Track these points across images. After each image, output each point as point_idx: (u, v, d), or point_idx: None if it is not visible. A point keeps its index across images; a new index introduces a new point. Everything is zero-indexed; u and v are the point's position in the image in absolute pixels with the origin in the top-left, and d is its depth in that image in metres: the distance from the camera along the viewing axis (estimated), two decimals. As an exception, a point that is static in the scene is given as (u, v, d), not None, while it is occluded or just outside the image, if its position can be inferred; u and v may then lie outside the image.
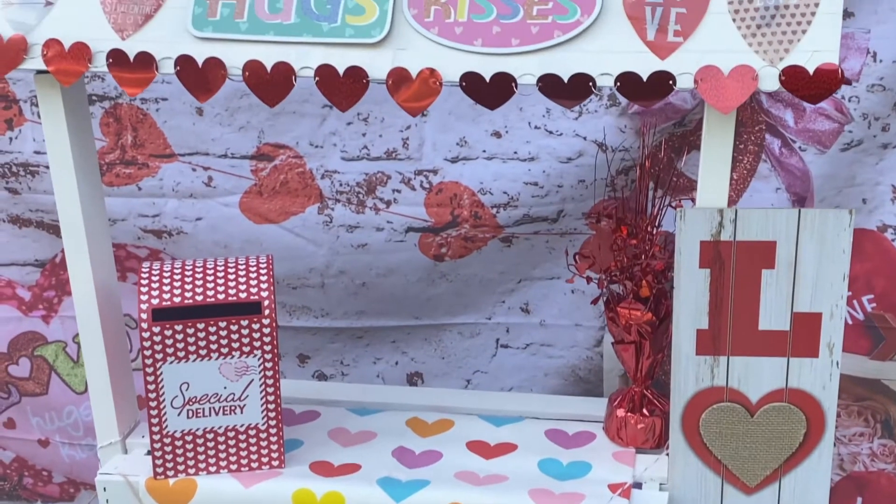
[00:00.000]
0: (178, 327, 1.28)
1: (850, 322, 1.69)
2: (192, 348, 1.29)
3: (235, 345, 1.29)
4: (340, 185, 1.75)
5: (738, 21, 1.13)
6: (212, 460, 1.35)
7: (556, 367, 1.85)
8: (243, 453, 1.35)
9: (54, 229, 1.78)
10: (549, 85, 1.15)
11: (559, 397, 1.65)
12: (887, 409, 1.74)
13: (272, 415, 1.33)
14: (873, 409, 1.74)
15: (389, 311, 1.85)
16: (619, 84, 1.14)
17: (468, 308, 1.85)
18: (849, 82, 1.55)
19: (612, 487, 1.31)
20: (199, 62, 1.21)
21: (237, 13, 1.21)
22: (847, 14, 1.55)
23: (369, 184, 1.75)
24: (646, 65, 1.14)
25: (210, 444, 1.34)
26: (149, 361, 1.29)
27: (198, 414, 1.32)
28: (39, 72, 1.26)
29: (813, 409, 1.27)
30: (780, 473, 1.30)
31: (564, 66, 1.15)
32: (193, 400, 1.31)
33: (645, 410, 1.38)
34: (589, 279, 1.38)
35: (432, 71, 1.17)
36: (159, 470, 1.35)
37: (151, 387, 1.30)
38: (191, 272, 1.31)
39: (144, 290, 1.29)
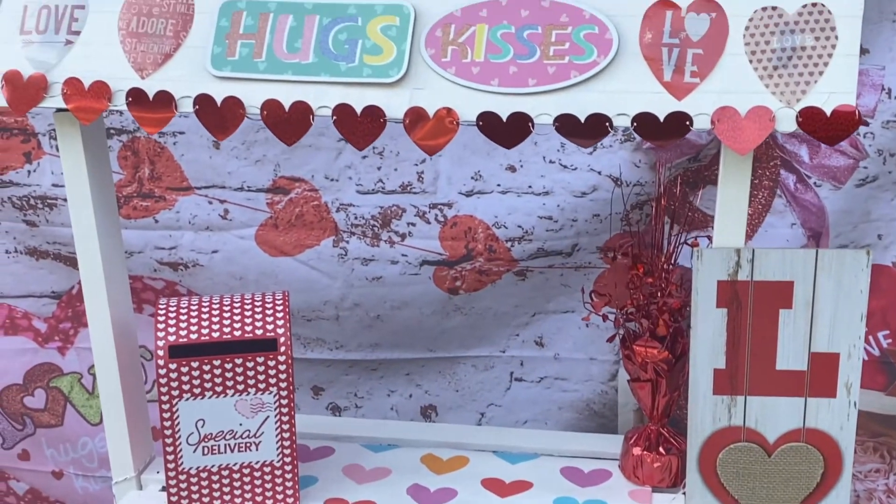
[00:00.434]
0: (195, 364, 1.28)
1: (865, 358, 1.68)
2: (207, 385, 1.29)
3: (251, 381, 1.30)
4: (355, 218, 1.76)
5: (754, 62, 1.13)
6: (227, 497, 1.35)
7: (571, 400, 1.85)
8: (258, 490, 1.35)
9: (71, 261, 1.79)
10: (566, 125, 1.16)
11: (574, 434, 1.65)
12: (904, 445, 1.73)
13: (287, 452, 1.33)
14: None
15: (404, 344, 1.85)
16: (635, 124, 1.14)
17: (482, 341, 1.85)
18: (866, 123, 1.55)
19: (628, 526, 1.30)
20: (218, 101, 1.21)
21: (256, 53, 1.22)
22: (862, 51, 1.54)
23: (384, 217, 1.75)
24: (662, 105, 1.14)
25: (225, 481, 1.34)
26: (165, 398, 1.29)
27: (213, 451, 1.32)
28: (59, 110, 1.27)
29: (830, 449, 1.26)
30: (798, 513, 1.29)
31: (581, 106, 1.16)
32: (209, 436, 1.31)
33: (661, 449, 1.38)
34: (605, 317, 1.38)
35: (449, 110, 1.18)
36: (174, 506, 1.35)
37: (167, 423, 1.30)
38: (207, 308, 1.32)
39: (161, 326, 1.29)
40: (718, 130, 1.12)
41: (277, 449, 1.33)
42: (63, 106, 1.25)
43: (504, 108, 1.17)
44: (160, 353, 1.28)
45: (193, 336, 1.29)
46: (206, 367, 1.28)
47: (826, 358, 1.22)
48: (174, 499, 1.34)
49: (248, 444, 1.32)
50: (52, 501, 1.95)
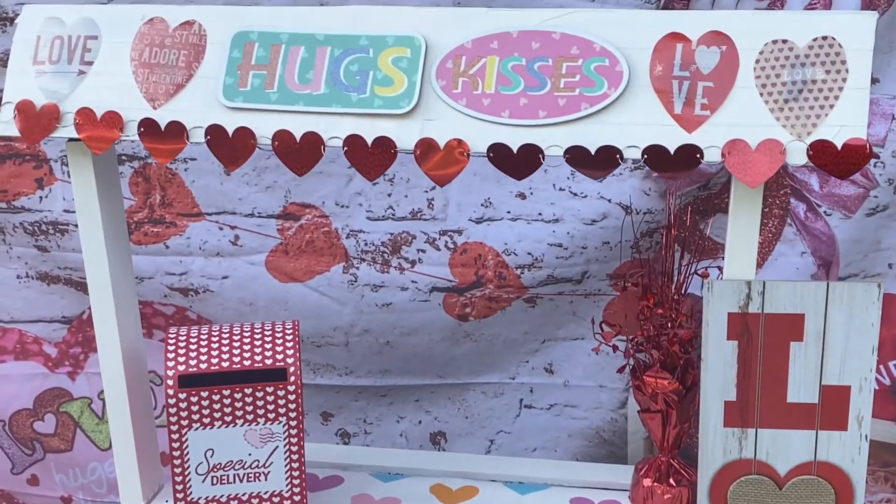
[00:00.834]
0: (204, 394, 1.28)
1: (876, 388, 1.67)
2: (217, 415, 1.29)
3: (261, 411, 1.30)
4: (365, 244, 1.76)
5: (765, 95, 1.13)
6: (235, 526, 1.35)
7: (580, 428, 1.84)
8: (267, 519, 1.35)
9: (82, 286, 1.79)
10: (577, 156, 1.16)
11: (584, 464, 1.64)
12: (915, 475, 1.72)
13: (296, 482, 1.33)
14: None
15: (413, 370, 1.85)
16: (646, 156, 1.14)
17: (492, 368, 1.84)
18: (876, 156, 1.55)
19: (638, 559, 1.30)
20: (230, 132, 1.22)
21: (268, 83, 1.23)
22: (872, 80, 1.54)
23: (394, 243, 1.75)
24: (673, 138, 1.14)
25: (234, 510, 1.34)
26: (174, 427, 1.29)
27: (222, 480, 1.32)
28: (71, 139, 1.27)
29: (842, 482, 1.25)
30: (809, 546, 1.29)
31: (591, 138, 1.16)
32: (218, 466, 1.31)
33: (672, 480, 1.37)
34: (615, 347, 1.37)
35: (460, 142, 1.18)
36: (183, 535, 1.35)
37: (176, 453, 1.30)
38: (216, 338, 1.32)
39: (171, 355, 1.30)
40: (729, 163, 1.12)
41: (286, 479, 1.33)
42: (75, 136, 1.25)
43: (515, 139, 1.17)
44: (170, 382, 1.28)
45: (203, 365, 1.29)
46: (216, 397, 1.28)
47: (837, 391, 1.22)
48: (183, 528, 1.34)
49: (257, 474, 1.32)
50: (61, 527, 1.95)
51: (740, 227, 1.18)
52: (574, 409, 1.84)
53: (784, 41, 1.13)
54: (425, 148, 1.19)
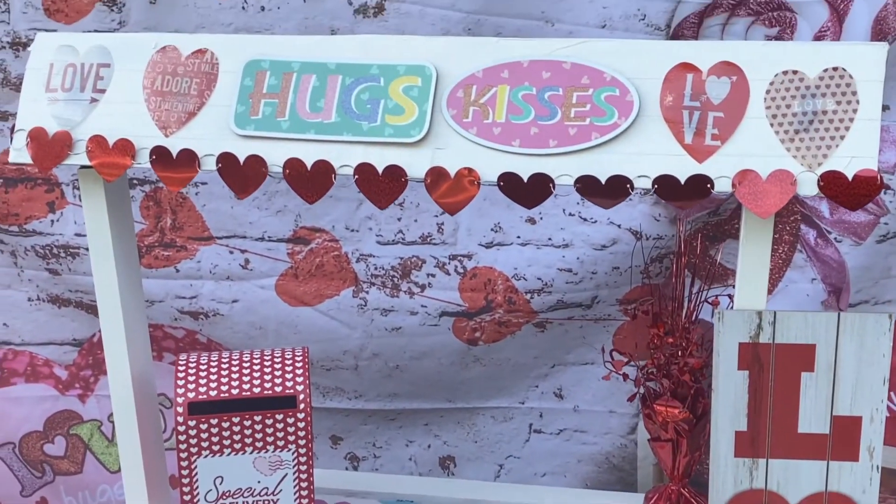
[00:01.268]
0: (214, 421, 1.28)
1: (887, 415, 1.66)
2: (226, 442, 1.29)
3: (270, 439, 1.30)
4: (375, 268, 1.76)
5: (775, 126, 1.13)
6: (244, 553, 1.35)
7: (590, 453, 1.84)
8: (276, 547, 1.35)
9: (93, 309, 1.79)
10: (587, 186, 1.16)
11: (594, 492, 1.64)
12: (927, 502, 1.71)
13: (306, 509, 1.33)
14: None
15: (422, 394, 1.85)
16: (656, 186, 1.14)
17: (501, 392, 1.84)
18: (888, 187, 1.55)
19: (648, 588, 1.29)
20: (241, 160, 1.22)
21: (279, 112, 1.23)
22: (882, 108, 1.54)
23: (404, 268, 1.76)
24: (683, 167, 1.14)
25: (243, 538, 1.34)
26: (183, 455, 1.29)
27: (231, 508, 1.32)
28: (83, 167, 1.28)
29: (853, 512, 1.25)
30: (820, 577, 1.28)
31: (602, 167, 1.16)
32: (227, 494, 1.31)
33: (682, 509, 1.37)
34: (625, 376, 1.37)
35: (470, 170, 1.18)
36: (192, 562, 1.34)
37: (186, 480, 1.30)
38: (226, 365, 1.32)
39: (181, 382, 1.30)
40: (740, 193, 1.12)
41: (296, 506, 1.33)
42: (87, 163, 1.26)
43: (525, 168, 1.17)
44: (179, 409, 1.28)
45: (213, 392, 1.29)
46: (225, 424, 1.29)
47: (848, 421, 1.21)
48: (192, 555, 1.34)
49: (266, 502, 1.32)
50: (70, 549, 1.95)
51: (751, 256, 1.18)
52: (584, 435, 1.84)
53: (795, 72, 1.13)
54: (436, 176, 1.19)
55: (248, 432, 1.29)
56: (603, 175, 1.15)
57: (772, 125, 1.13)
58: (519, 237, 1.72)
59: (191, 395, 1.29)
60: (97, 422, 1.88)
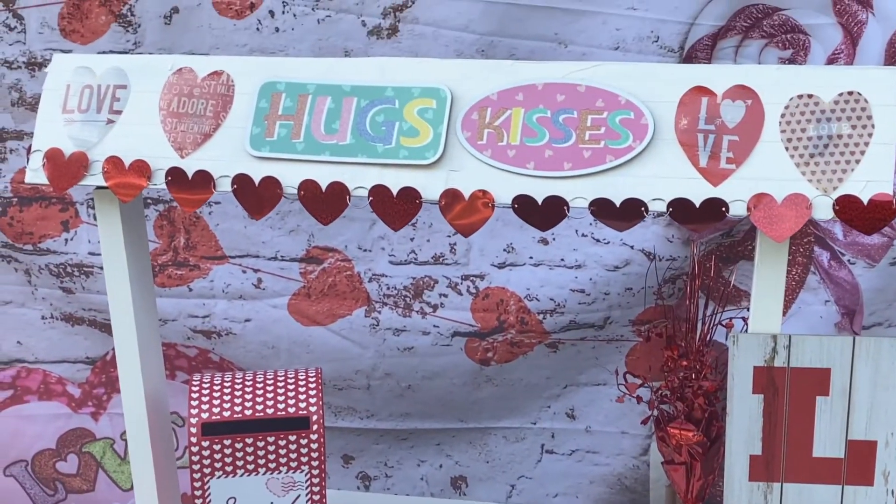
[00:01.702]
0: (227, 442, 1.28)
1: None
2: (239, 463, 1.29)
3: (283, 460, 1.30)
4: (388, 288, 1.76)
5: (790, 150, 1.13)
6: (257, 574, 1.34)
7: (602, 474, 1.83)
8: (288, 568, 1.35)
9: (106, 328, 1.80)
10: (602, 209, 1.16)
11: (606, 514, 1.63)
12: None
13: (318, 530, 1.33)
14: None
15: (434, 414, 1.84)
16: (671, 209, 1.14)
17: (513, 412, 1.84)
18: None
19: None
20: (256, 181, 1.23)
21: (294, 133, 1.24)
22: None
23: (416, 288, 1.76)
24: (698, 191, 1.14)
25: (255, 558, 1.34)
26: (197, 476, 1.29)
27: (244, 528, 1.32)
28: (99, 187, 1.28)
29: (868, 537, 1.24)
30: None
31: (616, 190, 1.16)
32: (240, 514, 1.31)
33: (695, 532, 1.36)
34: (639, 399, 1.37)
35: (484, 192, 1.18)
36: (204, 582, 1.34)
37: (199, 501, 1.30)
38: (240, 385, 1.32)
39: (194, 403, 1.30)
40: (755, 217, 1.12)
41: (308, 527, 1.33)
42: (103, 184, 1.26)
43: (539, 191, 1.17)
44: (193, 430, 1.28)
45: (226, 413, 1.29)
46: (239, 445, 1.29)
47: (863, 446, 1.21)
48: (204, 576, 1.34)
49: (280, 523, 1.32)
50: (81, 568, 1.95)
51: (766, 279, 1.18)
52: (596, 455, 1.83)
53: (810, 96, 1.13)
54: (450, 198, 1.19)
55: (261, 453, 1.29)
56: (617, 198, 1.15)
57: (787, 149, 1.13)
58: (532, 258, 1.72)
59: (204, 415, 1.29)
60: (110, 440, 1.88)
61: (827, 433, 1.21)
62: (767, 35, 1.57)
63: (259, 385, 1.32)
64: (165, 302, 1.77)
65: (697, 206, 1.13)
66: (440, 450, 1.88)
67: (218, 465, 1.29)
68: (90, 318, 1.81)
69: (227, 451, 1.29)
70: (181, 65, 1.28)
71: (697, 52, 1.58)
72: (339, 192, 1.22)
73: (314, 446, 1.29)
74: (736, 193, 1.13)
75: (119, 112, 1.28)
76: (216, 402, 1.30)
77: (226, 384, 1.32)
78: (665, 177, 1.16)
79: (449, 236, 1.73)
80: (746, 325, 1.22)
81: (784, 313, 1.65)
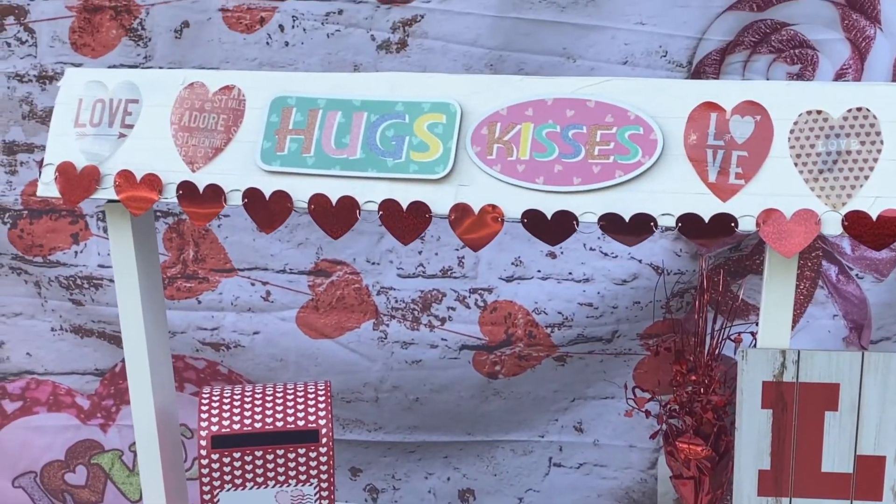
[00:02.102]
0: (237, 454, 1.29)
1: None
2: (249, 476, 1.30)
3: (292, 473, 1.30)
4: (396, 301, 1.77)
5: (800, 165, 1.13)
6: (265, 587, 1.35)
7: (610, 488, 1.83)
8: (297, 581, 1.35)
9: (115, 339, 1.81)
10: (611, 223, 1.16)
11: (615, 528, 1.63)
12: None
13: (327, 543, 1.33)
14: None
15: (442, 427, 1.85)
16: (680, 225, 1.14)
17: (521, 425, 1.84)
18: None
19: None
20: (267, 195, 1.23)
21: (304, 148, 1.24)
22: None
23: (424, 301, 1.76)
24: (707, 206, 1.15)
25: (264, 571, 1.34)
26: (206, 488, 1.30)
27: (253, 541, 1.32)
28: (111, 200, 1.29)
29: (877, 552, 1.24)
30: None
31: (626, 205, 1.16)
32: (250, 527, 1.32)
33: (704, 547, 1.36)
34: (648, 413, 1.37)
35: (494, 207, 1.19)
36: None
37: (208, 513, 1.31)
38: (249, 398, 1.33)
39: (204, 416, 1.30)
40: (764, 233, 1.12)
41: (317, 540, 1.33)
42: (115, 197, 1.27)
43: (549, 205, 1.18)
44: (203, 442, 1.29)
45: (236, 426, 1.29)
46: (248, 458, 1.29)
47: (872, 461, 1.21)
48: (213, 588, 1.34)
49: (289, 536, 1.33)
50: (89, 580, 1.95)
51: (775, 294, 1.18)
52: (603, 469, 1.83)
53: (819, 112, 1.13)
54: (460, 213, 1.20)
55: (270, 466, 1.29)
56: (627, 213, 1.16)
57: (796, 164, 1.13)
58: (539, 271, 1.73)
59: (214, 428, 1.29)
60: (118, 451, 1.88)
61: (836, 448, 1.21)
62: (775, 50, 1.58)
63: (269, 398, 1.33)
64: (174, 314, 1.78)
65: (706, 221, 1.14)
66: (448, 463, 1.88)
67: (227, 477, 1.29)
68: (99, 330, 1.82)
69: (237, 464, 1.29)
70: (193, 79, 1.29)
71: (706, 67, 1.59)
72: (349, 207, 1.22)
73: (323, 459, 1.30)
74: (745, 209, 1.14)
75: (131, 126, 1.29)
76: (226, 414, 1.30)
77: (236, 397, 1.33)
78: (674, 192, 1.16)
79: (457, 250, 1.74)
80: (755, 339, 1.22)
81: (792, 327, 1.66)
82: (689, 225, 1.14)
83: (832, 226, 1.12)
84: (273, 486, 1.30)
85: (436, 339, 1.77)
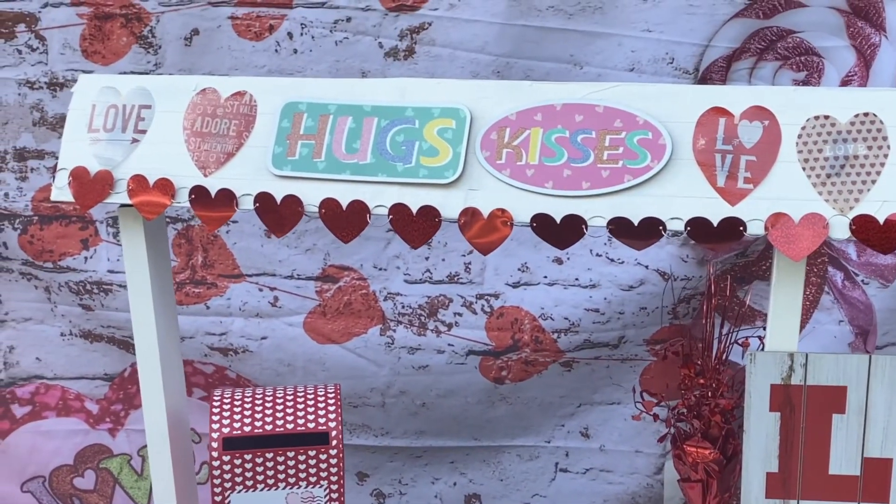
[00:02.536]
0: (248, 456, 1.30)
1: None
2: (260, 478, 1.30)
3: (303, 475, 1.31)
4: (403, 307, 1.78)
5: (807, 170, 1.14)
6: (275, 590, 1.35)
7: (616, 493, 1.84)
8: (307, 583, 1.35)
9: (124, 344, 1.82)
10: (620, 228, 1.17)
11: (622, 531, 1.64)
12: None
13: (337, 546, 1.34)
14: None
15: (449, 432, 1.85)
16: (689, 228, 1.15)
17: (527, 431, 1.85)
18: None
19: None
20: (278, 200, 1.24)
21: (315, 153, 1.25)
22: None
23: (431, 306, 1.77)
24: (716, 210, 1.16)
25: (274, 574, 1.35)
26: (217, 490, 1.30)
27: (264, 544, 1.33)
28: (123, 205, 1.30)
29: (884, 555, 1.25)
30: None
31: (634, 209, 1.17)
32: (260, 530, 1.32)
33: (711, 550, 1.37)
34: (656, 417, 1.38)
35: (503, 211, 1.20)
36: None
37: (219, 515, 1.31)
38: (260, 401, 1.34)
39: (216, 418, 1.31)
40: (772, 236, 1.13)
41: (327, 543, 1.34)
42: (128, 202, 1.28)
43: (558, 210, 1.19)
44: (214, 444, 1.30)
45: (247, 428, 1.30)
46: (259, 460, 1.30)
47: (879, 463, 1.22)
48: (223, 591, 1.35)
49: (299, 538, 1.33)
50: (97, 584, 1.96)
51: (783, 298, 1.19)
52: (610, 474, 1.84)
53: (826, 117, 1.15)
54: (469, 217, 1.21)
55: (281, 468, 1.30)
56: (635, 217, 1.17)
57: (804, 169, 1.15)
58: (546, 277, 1.74)
59: (225, 430, 1.30)
60: (127, 456, 1.89)
61: (843, 451, 1.22)
62: (781, 57, 1.59)
63: (279, 400, 1.33)
64: (183, 319, 1.78)
65: (715, 225, 1.15)
66: (454, 468, 1.88)
67: (238, 479, 1.30)
68: (109, 335, 1.83)
69: (248, 466, 1.30)
70: (205, 85, 1.30)
71: (712, 74, 1.60)
72: (359, 211, 1.23)
73: (333, 461, 1.30)
74: (753, 213, 1.15)
75: (144, 131, 1.30)
76: (237, 416, 1.31)
77: (247, 399, 1.34)
78: (683, 196, 1.17)
79: (464, 255, 1.75)
80: (762, 343, 1.23)
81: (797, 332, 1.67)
82: (697, 229, 1.15)
83: (840, 230, 1.13)
84: (283, 488, 1.31)
85: (442, 345, 1.78)
